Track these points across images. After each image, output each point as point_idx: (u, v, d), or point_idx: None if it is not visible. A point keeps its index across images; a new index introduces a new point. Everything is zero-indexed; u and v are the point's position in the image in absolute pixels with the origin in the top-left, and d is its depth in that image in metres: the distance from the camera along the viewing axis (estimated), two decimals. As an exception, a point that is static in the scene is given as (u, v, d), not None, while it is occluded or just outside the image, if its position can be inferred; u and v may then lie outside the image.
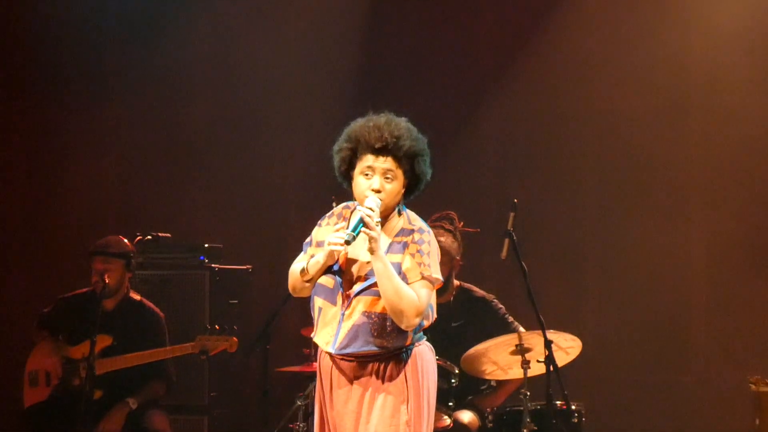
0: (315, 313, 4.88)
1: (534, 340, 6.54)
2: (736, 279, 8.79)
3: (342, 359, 4.82)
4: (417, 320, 4.74)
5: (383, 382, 4.80)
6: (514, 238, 6.43)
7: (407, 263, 4.78)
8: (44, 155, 9.59)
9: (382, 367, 4.81)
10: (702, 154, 9.01)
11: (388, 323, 4.75)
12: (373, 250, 4.67)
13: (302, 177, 9.21)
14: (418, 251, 4.79)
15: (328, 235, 4.77)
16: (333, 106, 9.09)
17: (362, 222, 4.66)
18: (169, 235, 8.53)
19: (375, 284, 4.74)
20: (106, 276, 7.33)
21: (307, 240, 4.97)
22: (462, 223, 7.11)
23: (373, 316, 4.75)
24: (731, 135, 8.87)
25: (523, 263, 6.44)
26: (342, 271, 4.82)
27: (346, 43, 9.40)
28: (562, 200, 9.11)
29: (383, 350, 4.77)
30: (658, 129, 9.01)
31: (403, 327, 4.73)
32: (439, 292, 7.07)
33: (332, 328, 4.80)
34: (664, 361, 8.87)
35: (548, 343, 6.41)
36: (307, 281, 4.83)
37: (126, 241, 7.58)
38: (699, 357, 8.90)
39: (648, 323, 8.86)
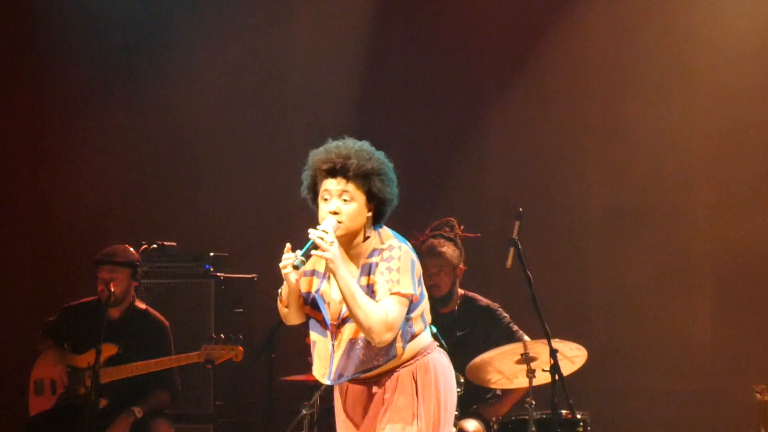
0: (312, 347, 4.89)
1: (539, 349, 6.53)
2: (742, 288, 8.78)
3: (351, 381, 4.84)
4: (388, 336, 4.69)
5: (392, 398, 4.79)
6: (519, 247, 6.43)
7: (377, 282, 4.75)
8: (49, 163, 9.61)
9: (390, 383, 4.80)
10: (708, 161, 9.00)
11: (373, 344, 4.75)
12: (332, 271, 4.65)
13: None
14: (387, 268, 4.74)
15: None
16: (339, 113, 9.10)
17: (312, 246, 4.64)
18: (174, 243, 8.54)
19: None
20: (111, 285, 7.34)
21: None
22: (462, 228, 7.11)
23: (359, 341, 4.75)
24: (737, 142, 8.86)
25: (529, 272, 6.44)
26: (327, 303, 4.83)
27: (351, 51, 9.41)
28: (567, 209, 9.11)
29: (378, 369, 4.77)
30: (664, 136, 9.00)
31: (374, 344, 4.70)
32: (444, 302, 7.13)
33: (326, 361, 4.82)
34: (669, 370, 8.86)
35: (553, 352, 6.41)
36: (287, 307, 4.84)
37: (131, 249, 7.59)
38: (704, 366, 8.89)
39: (653, 332, 8.85)
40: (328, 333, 4.81)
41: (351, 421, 4.87)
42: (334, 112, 9.17)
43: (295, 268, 4.65)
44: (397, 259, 4.76)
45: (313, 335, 4.87)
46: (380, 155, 4.84)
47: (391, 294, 4.71)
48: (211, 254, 8.57)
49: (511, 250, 6.43)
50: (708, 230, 8.94)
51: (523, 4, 9.25)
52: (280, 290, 4.84)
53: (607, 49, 9.09)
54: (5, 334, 9.22)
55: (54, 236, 9.52)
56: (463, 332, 7.06)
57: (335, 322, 4.80)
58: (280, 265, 4.71)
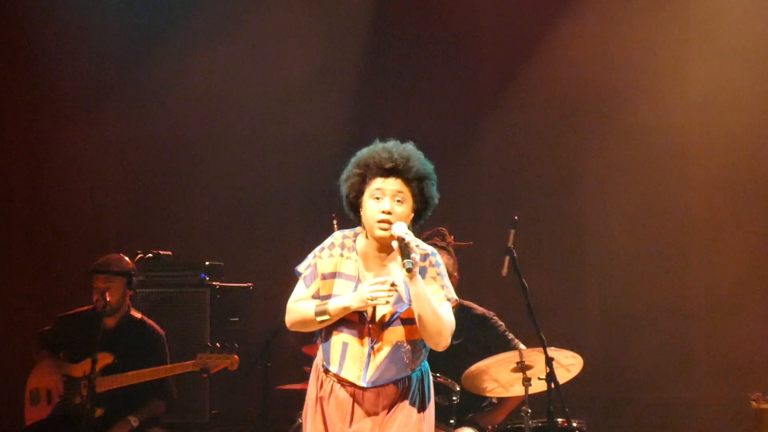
0: (337, 348, 4.85)
1: (535, 357, 6.53)
2: (736, 296, 8.79)
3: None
4: (449, 340, 4.81)
5: (406, 400, 4.85)
6: (515, 255, 6.43)
7: (431, 288, 4.80)
8: (45, 173, 9.61)
9: (405, 386, 4.85)
10: (703, 170, 9.02)
11: (418, 347, 4.83)
12: (413, 275, 4.66)
13: (303, 194, 9.22)
14: (438, 274, 4.84)
15: (368, 289, 4.70)
16: (333, 123, 9.11)
17: (408, 247, 4.65)
18: (170, 253, 8.54)
19: (403, 314, 4.78)
20: (107, 294, 7.33)
21: (306, 272, 4.91)
22: (452, 237, 7.11)
23: (405, 344, 4.81)
24: (731, 159, 8.89)
25: (524, 280, 6.44)
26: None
27: (347, 61, 9.42)
28: (562, 217, 9.12)
29: (411, 373, 4.85)
30: (659, 147, 9.02)
31: (439, 348, 4.80)
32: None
33: (361, 363, 4.82)
34: (665, 378, 8.87)
35: (549, 361, 6.40)
36: (322, 321, 4.81)
37: (127, 259, 7.59)
38: (700, 374, 8.90)
39: (648, 341, 8.85)
40: (367, 334, 4.81)
41: (359, 416, 4.85)
42: (328, 120, 9.18)
43: (409, 270, 4.63)
44: (442, 265, 4.89)
45: (343, 336, 4.83)
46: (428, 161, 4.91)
47: (447, 300, 4.82)
48: (207, 263, 8.57)
49: (507, 258, 6.43)
50: (703, 237, 8.96)
51: (518, 12, 9.27)
52: (324, 309, 4.78)
53: (602, 59, 9.11)
54: (0, 344, 9.21)
55: (49, 245, 9.52)
56: (459, 341, 7.04)
57: (378, 326, 4.80)
58: (373, 295, 4.66)
